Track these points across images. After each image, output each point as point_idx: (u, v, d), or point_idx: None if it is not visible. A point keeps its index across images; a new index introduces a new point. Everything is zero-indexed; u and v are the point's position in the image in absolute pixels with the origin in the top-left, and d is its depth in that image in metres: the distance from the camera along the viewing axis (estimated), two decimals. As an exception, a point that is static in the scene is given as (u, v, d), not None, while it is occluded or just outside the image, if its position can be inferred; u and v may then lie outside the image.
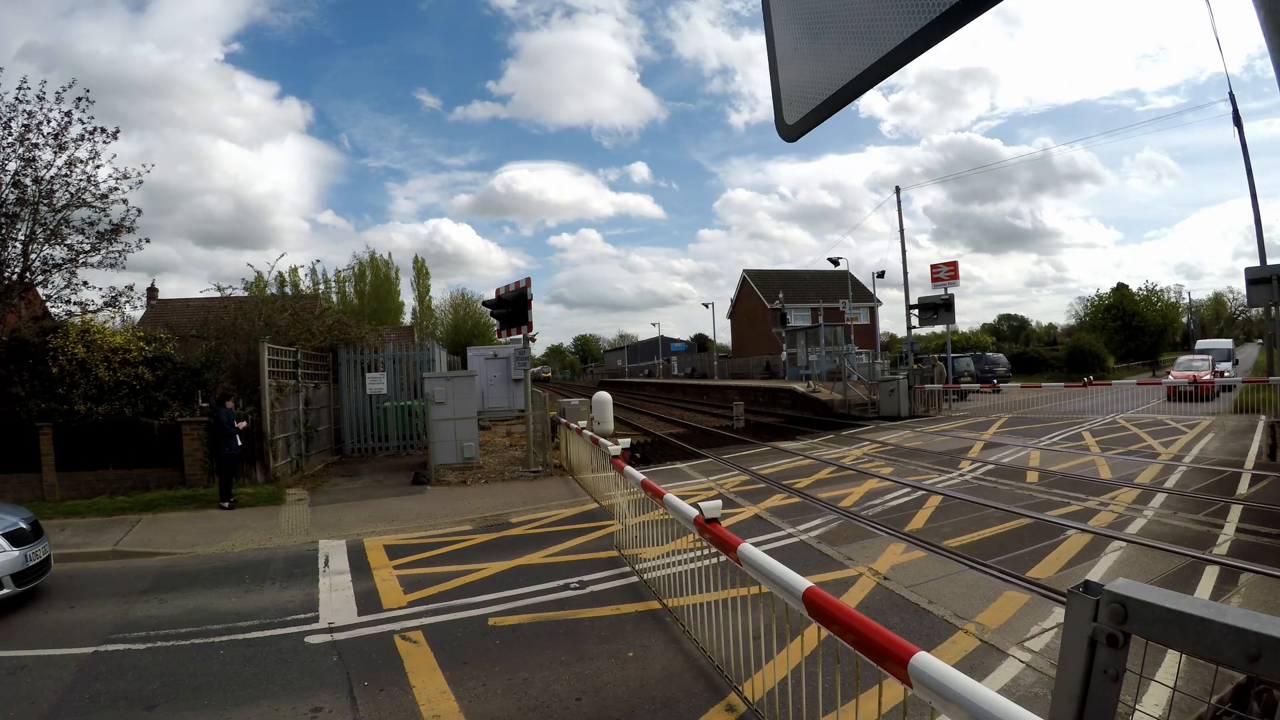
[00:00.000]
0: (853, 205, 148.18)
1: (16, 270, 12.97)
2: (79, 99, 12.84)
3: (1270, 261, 15.93)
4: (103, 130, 13.09)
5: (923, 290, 27.77)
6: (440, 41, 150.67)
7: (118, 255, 13.70)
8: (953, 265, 25.01)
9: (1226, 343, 33.32)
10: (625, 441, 8.43)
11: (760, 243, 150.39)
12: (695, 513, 4.41)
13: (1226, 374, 24.13)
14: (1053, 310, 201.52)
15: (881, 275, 36.84)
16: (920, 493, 9.49)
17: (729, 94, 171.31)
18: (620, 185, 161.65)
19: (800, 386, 27.89)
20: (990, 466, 11.37)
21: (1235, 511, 7.59)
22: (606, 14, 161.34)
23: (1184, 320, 55.05)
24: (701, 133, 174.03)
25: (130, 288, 14.14)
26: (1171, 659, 2.13)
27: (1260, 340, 43.92)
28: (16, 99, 12.42)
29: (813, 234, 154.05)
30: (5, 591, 6.12)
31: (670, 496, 5.12)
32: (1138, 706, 2.70)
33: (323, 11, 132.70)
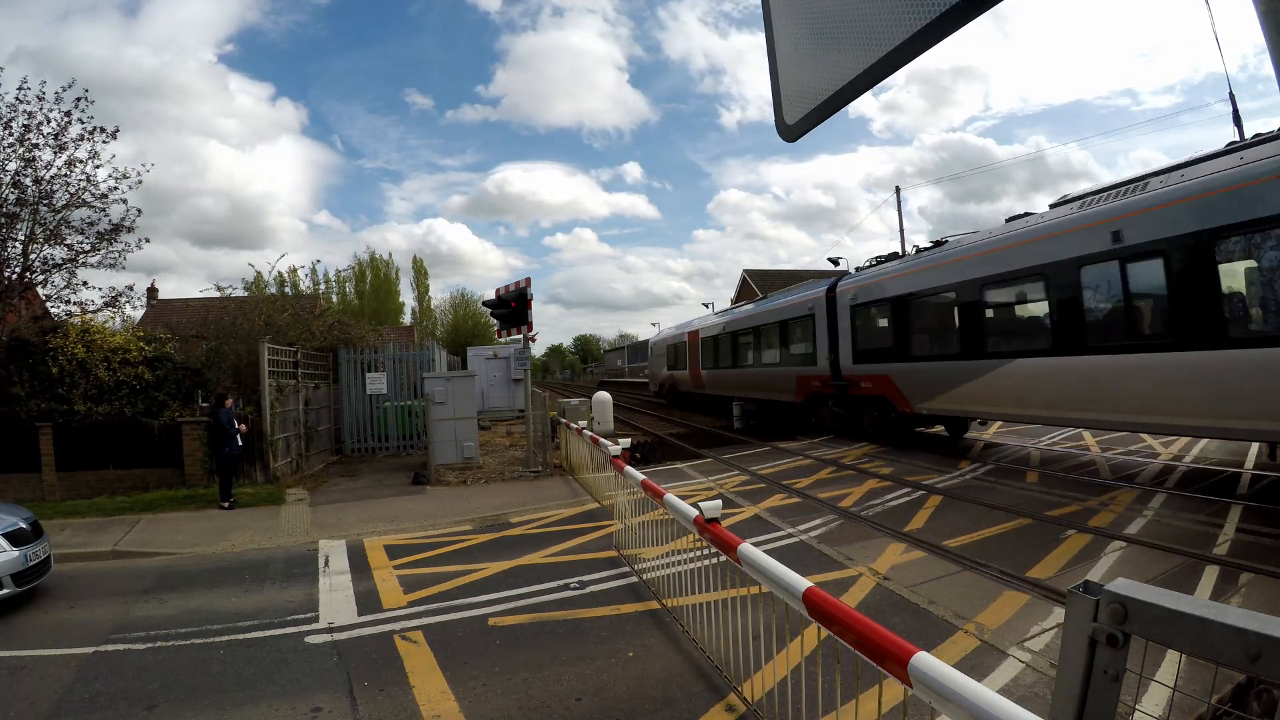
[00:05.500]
0: (847, 205, 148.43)
1: (16, 270, 12.98)
2: (78, 99, 12.87)
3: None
4: (102, 130, 13.11)
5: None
6: (433, 44, 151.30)
7: (117, 255, 13.75)
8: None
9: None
10: (625, 441, 8.43)
11: (756, 242, 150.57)
12: (695, 513, 4.41)
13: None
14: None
15: (882, 275, 36.56)
16: (920, 493, 9.48)
17: (720, 94, 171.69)
18: (614, 185, 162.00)
19: (800, 386, 27.77)
20: (990, 466, 11.37)
21: (1235, 511, 7.59)
22: (595, 14, 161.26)
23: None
24: (694, 133, 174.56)
25: (130, 288, 14.20)
26: (1171, 659, 2.13)
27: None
28: (17, 99, 12.44)
29: (808, 233, 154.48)
30: (5, 591, 6.12)
31: (670, 496, 5.12)
32: (1138, 706, 2.70)
33: (316, 14, 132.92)
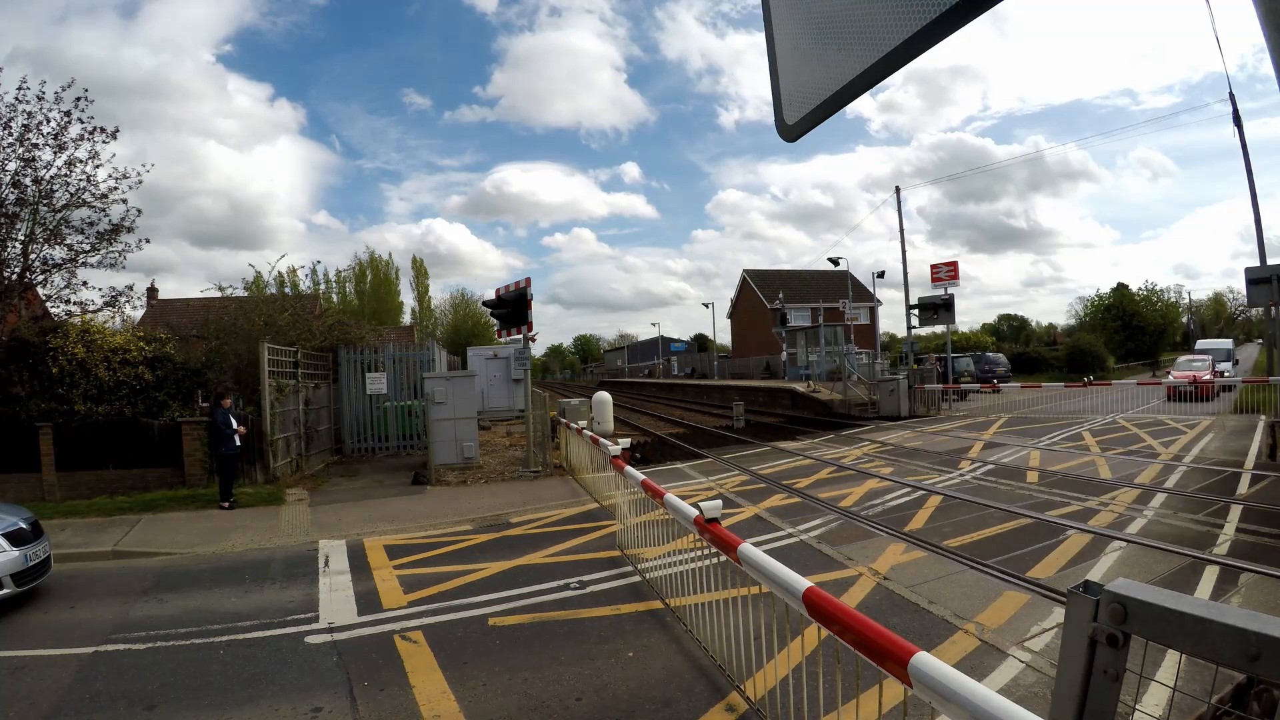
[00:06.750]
0: (846, 205, 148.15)
1: (16, 270, 12.95)
2: (78, 99, 12.82)
3: (1270, 261, 15.95)
4: (102, 130, 13.06)
5: (922, 290, 27.56)
6: (431, 45, 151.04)
7: (117, 255, 13.69)
8: (953, 265, 24.99)
9: (1226, 343, 33.31)
10: (625, 441, 8.43)
11: (755, 243, 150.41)
12: (695, 513, 4.41)
13: (1226, 374, 24.13)
14: (1051, 310, 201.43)
15: (881, 275, 36.87)
16: (920, 493, 9.48)
17: (718, 94, 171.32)
18: (612, 185, 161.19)
19: (800, 386, 27.88)
20: (990, 466, 11.37)
21: (1235, 511, 7.59)
22: (592, 14, 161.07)
23: (1184, 320, 55.02)
24: (692, 133, 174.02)
25: (130, 288, 14.11)
26: (1171, 659, 2.13)
27: (1260, 340, 43.95)
28: (16, 99, 12.41)
29: (807, 234, 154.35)
30: (5, 591, 6.12)
31: (670, 496, 5.12)
32: (1138, 706, 2.70)
33: (314, 15, 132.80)
